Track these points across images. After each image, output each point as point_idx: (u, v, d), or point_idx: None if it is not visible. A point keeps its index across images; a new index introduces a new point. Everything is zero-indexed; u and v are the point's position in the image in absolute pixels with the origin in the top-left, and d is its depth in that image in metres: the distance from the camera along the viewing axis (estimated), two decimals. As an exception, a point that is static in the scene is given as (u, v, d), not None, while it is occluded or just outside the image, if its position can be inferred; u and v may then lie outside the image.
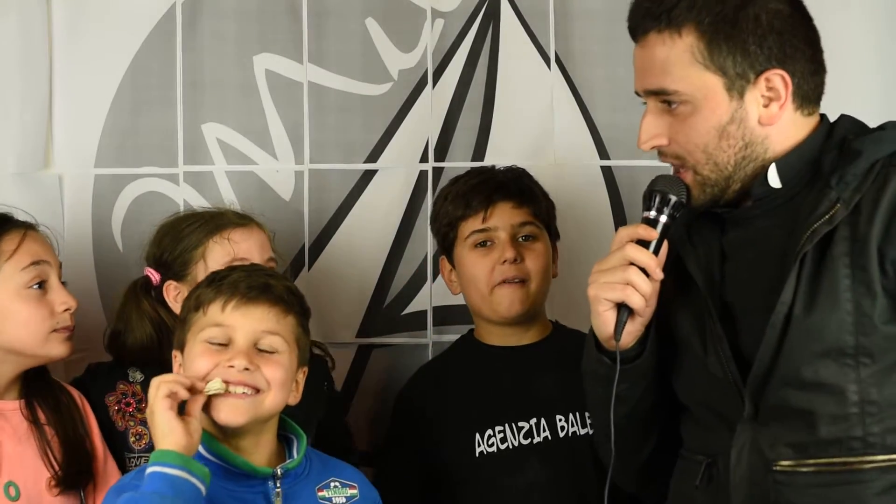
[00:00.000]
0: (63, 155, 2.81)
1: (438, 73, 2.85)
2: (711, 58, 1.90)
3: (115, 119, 2.81)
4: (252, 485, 2.07)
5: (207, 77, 2.83)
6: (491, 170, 2.65)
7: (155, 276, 2.52)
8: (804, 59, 1.94)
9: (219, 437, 2.07)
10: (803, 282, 1.87)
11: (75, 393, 2.43)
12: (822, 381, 1.86)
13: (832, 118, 2.03)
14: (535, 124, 2.86)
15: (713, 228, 2.03)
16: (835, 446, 1.86)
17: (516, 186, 2.58)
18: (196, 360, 2.07)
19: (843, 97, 2.69)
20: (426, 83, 2.85)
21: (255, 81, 2.83)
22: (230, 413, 2.05)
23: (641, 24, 1.95)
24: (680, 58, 1.91)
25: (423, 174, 2.85)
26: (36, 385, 2.37)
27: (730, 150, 1.93)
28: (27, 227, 2.35)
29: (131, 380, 2.49)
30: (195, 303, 2.12)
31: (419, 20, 2.84)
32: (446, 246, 2.61)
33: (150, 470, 1.95)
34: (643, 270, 1.98)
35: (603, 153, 2.86)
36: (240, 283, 2.10)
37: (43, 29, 2.79)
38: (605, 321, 2.00)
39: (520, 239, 2.55)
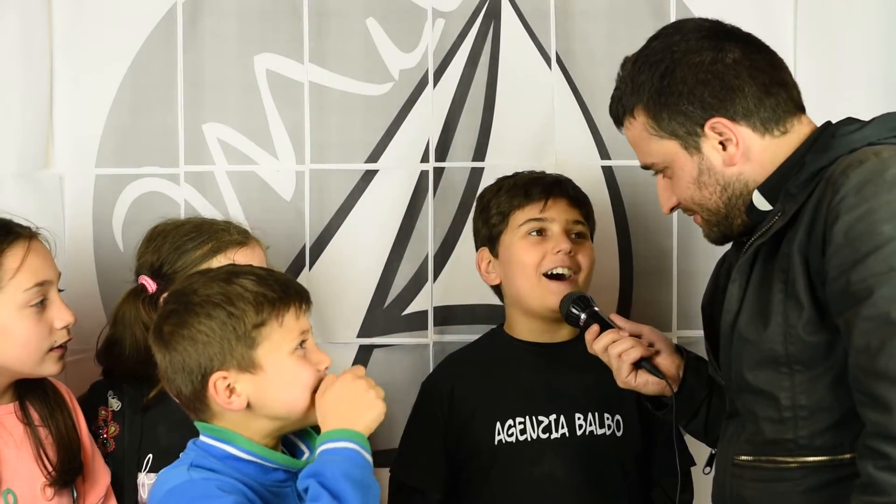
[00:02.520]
0: (64, 155, 2.82)
1: (439, 73, 2.85)
2: (661, 127, 2.09)
3: (115, 119, 2.82)
4: (285, 479, 2.05)
5: (208, 77, 2.83)
6: (536, 172, 2.67)
7: (151, 286, 2.50)
8: (741, 93, 2.05)
9: (263, 439, 2.03)
10: (749, 294, 2.02)
11: (62, 388, 2.43)
12: (761, 387, 2.02)
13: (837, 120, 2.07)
14: (536, 124, 2.86)
15: (738, 252, 2.14)
16: (775, 446, 2.02)
17: (571, 187, 2.63)
18: (301, 372, 2.01)
19: (843, 98, 2.74)
20: (427, 83, 2.85)
21: (255, 81, 2.83)
22: None
23: (614, 115, 2.19)
24: (640, 136, 2.13)
25: (423, 174, 2.85)
26: (28, 386, 2.36)
27: (712, 196, 2.09)
28: (30, 238, 2.30)
29: (109, 406, 2.49)
30: (258, 319, 1.99)
31: (420, 20, 2.84)
32: (492, 237, 2.62)
33: (355, 448, 1.95)
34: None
35: (604, 153, 2.87)
36: (290, 286, 2.05)
37: (43, 29, 2.79)
38: (646, 383, 2.32)
39: (572, 236, 2.58)
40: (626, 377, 2.31)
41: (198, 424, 2.05)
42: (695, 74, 2.05)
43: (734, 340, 2.04)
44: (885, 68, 2.82)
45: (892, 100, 2.76)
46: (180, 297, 2.03)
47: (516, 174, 2.67)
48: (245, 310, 1.98)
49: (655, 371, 2.31)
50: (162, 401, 2.48)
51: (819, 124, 2.08)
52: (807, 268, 1.94)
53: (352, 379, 2.01)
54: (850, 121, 2.04)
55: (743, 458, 2.06)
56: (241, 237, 2.50)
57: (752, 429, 2.04)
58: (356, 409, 1.99)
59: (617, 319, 2.38)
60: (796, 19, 2.83)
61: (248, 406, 2.00)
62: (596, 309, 2.41)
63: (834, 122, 2.06)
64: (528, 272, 2.56)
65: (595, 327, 2.36)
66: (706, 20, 2.13)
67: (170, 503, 1.95)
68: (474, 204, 2.70)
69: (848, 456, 1.93)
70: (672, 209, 2.17)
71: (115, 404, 2.48)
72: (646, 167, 2.17)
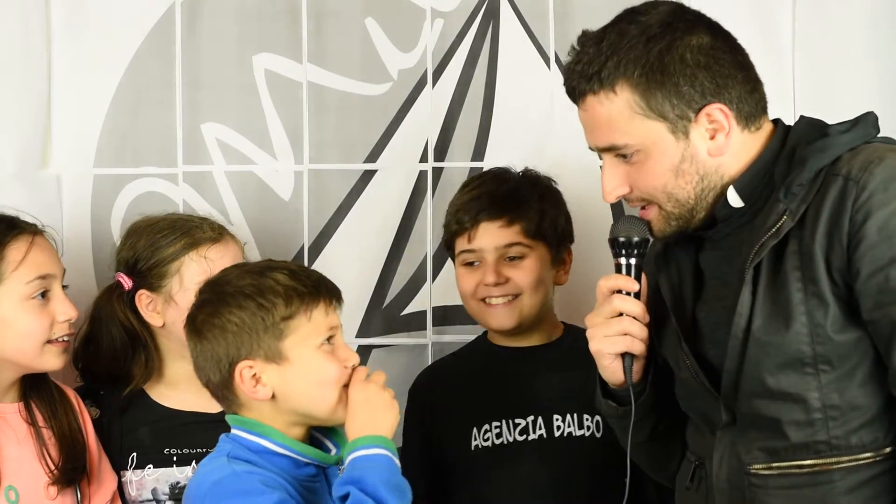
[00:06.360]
0: (62, 155, 2.81)
1: (438, 72, 2.85)
2: (650, 106, 1.97)
3: (114, 119, 2.82)
4: (316, 474, 2.08)
5: (207, 77, 2.83)
6: (493, 178, 2.62)
7: (127, 283, 2.50)
8: (736, 83, 1.99)
9: (292, 431, 2.07)
10: (760, 296, 1.95)
11: (70, 392, 2.45)
12: (786, 390, 1.95)
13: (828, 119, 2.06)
14: (535, 124, 2.86)
15: (688, 249, 2.10)
16: (803, 450, 1.96)
17: (508, 203, 2.55)
18: (326, 366, 2.05)
19: (842, 97, 2.73)
20: (426, 83, 2.85)
21: (254, 81, 2.83)
22: None
23: (577, 88, 2.02)
24: (621, 113, 1.98)
25: (422, 174, 2.85)
26: (33, 386, 2.38)
27: (688, 185, 2.01)
28: (34, 234, 2.34)
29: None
30: (287, 311, 2.03)
31: (419, 20, 2.84)
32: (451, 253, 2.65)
33: (388, 455, 2.00)
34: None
35: (603, 153, 2.86)
36: (322, 283, 2.09)
37: (42, 29, 2.79)
38: (612, 372, 2.13)
39: (507, 259, 2.55)
40: (603, 347, 2.10)
41: (229, 419, 2.09)
42: (696, 56, 1.97)
43: (749, 346, 1.96)
44: (884, 67, 2.82)
45: (892, 98, 2.76)
46: (214, 288, 2.11)
47: (474, 181, 2.62)
48: (275, 302, 2.04)
49: (628, 373, 2.13)
50: (138, 400, 2.50)
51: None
52: (828, 267, 1.91)
53: (363, 384, 2.05)
54: (818, 122, 2.02)
55: (759, 466, 1.99)
56: (214, 234, 2.51)
57: (769, 435, 1.98)
58: (377, 413, 2.03)
59: (643, 291, 2.14)
60: (794, 18, 2.82)
61: (274, 397, 2.04)
62: (639, 264, 2.12)
63: (798, 121, 2.04)
64: (468, 300, 2.58)
65: (632, 284, 2.10)
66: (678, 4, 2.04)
67: (215, 496, 1.99)
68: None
69: (888, 450, 1.93)
70: (618, 198, 2.05)
71: (93, 413, 2.48)
72: (604, 149, 2.03)
